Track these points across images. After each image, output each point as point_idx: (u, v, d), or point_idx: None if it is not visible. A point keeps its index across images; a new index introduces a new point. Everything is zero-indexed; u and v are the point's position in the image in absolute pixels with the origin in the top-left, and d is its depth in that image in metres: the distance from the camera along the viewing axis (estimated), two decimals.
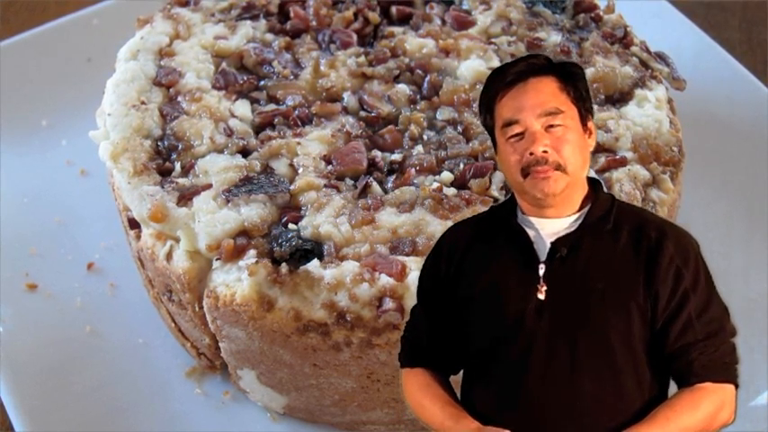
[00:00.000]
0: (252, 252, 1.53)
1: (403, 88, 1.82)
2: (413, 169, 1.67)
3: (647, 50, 1.88)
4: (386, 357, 1.52)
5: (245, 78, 1.84)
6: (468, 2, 2.00)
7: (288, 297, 1.50)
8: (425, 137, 1.74)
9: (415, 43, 1.89)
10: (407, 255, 1.53)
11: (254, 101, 1.82)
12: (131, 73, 1.82)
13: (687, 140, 1.76)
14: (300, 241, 1.54)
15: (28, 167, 2.16)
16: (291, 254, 1.53)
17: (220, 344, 1.68)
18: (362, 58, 1.87)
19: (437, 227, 1.55)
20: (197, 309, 1.63)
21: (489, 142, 1.67)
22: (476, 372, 1.20)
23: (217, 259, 1.56)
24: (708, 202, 2.01)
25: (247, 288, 1.50)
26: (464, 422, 1.15)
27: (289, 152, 1.69)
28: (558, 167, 1.12)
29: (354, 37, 1.92)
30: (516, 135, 1.14)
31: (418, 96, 1.82)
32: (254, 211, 1.58)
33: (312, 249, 1.54)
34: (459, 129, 1.74)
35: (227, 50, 1.89)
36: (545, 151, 1.12)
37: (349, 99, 1.80)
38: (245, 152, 1.70)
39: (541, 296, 1.13)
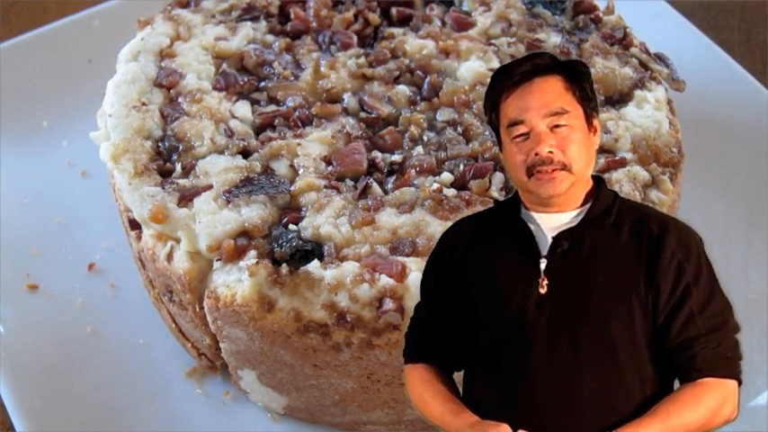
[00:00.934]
0: (252, 253, 1.54)
1: (403, 89, 1.82)
2: (413, 170, 1.67)
3: (647, 52, 1.89)
4: (386, 358, 1.53)
5: (246, 79, 1.84)
6: (468, 3, 2.01)
7: (288, 298, 1.50)
8: (425, 138, 1.74)
9: (415, 44, 1.89)
10: (407, 255, 1.54)
11: (254, 102, 1.82)
12: (132, 74, 1.82)
13: (686, 141, 1.77)
14: (301, 242, 1.55)
15: (29, 168, 2.16)
16: (292, 254, 1.53)
17: (221, 344, 1.68)
18: (363, 60, 1.87)
19: (437, 227, 1.55)
20: (197, 309, 1.64)
21: (489, 143, 1.70)
22: (478, 366, 1.20)
23: (217, 260, 1.56)
24: (707, 202, 2.01)
25: (248, 289, 1.50)
26: (463, 416, 1.15)
27: (289, 153, 1.70)
28: (564, 167, 1.13)
29: (354, 38, 1.93)
30: (521, 135, 1.14)
31: (418, 97, 1.82)
32: (254, 212, 1.58)
33: (312, 250, 1.54)
34: (459, 130, 1.75)
35: (228, 52, 1.89)
36: (550, 152, 1.12)
37: (349, 100, 1.81)
38: (245, 153, 1.70)
39: (543, 290, 1.14)
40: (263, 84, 1.85)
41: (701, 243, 1.17)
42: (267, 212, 1.59)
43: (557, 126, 1.14)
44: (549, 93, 1.15)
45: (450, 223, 1.52)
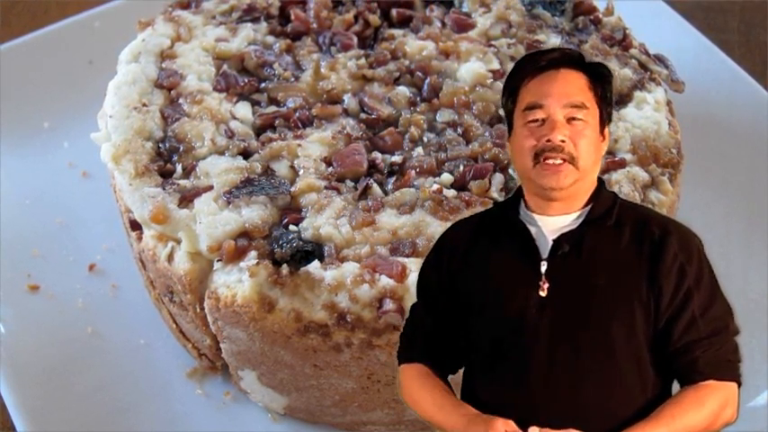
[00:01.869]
0: (253, 253, 1.54)
1: (403, 90, 1.82)
2: (413, 171, 1.67)
3: (646, 53, 1.89)
4: (386, 358, 1.53)
5: (246, 80, 1.84)
6: (467, 4, 2.01)
7: (288, 298, 1.51)
8: (425, 139, 1.75)
9: (415, 45, 1.90)
10: (408, 256, 1.54)
11: (254, 103, 1.82)
12: (133, 75, 1.83)
13: (686, 142, 1.77)
14: (301, 242, 1.55)
15: (30, 169, 2.16)
16: (292, 255, 1.54)
17: (221, 345, 1.68)
18: (363, 61, 1.88)
19: (437, 228, 1.56)
20: (198, 310, 1.64)
21: (489, 144, 1.70)
22: (476, 369, 1.20)
23: (218, 260, 1.57)
24: (707, 203, 2.01)
25: (248, 289, 1.51)
26: (462, 410, 1.15)
27: (289, 154, 1.70)
28: (572, 160, 1.12)
29: (355, 39, 1.93)
30: (536, 120, 1.14)
31: (418, 98, 1.82)
32: (254, 213, 1.59)
33: (313, 251, 1.55)
34: (459, 131, 1.75)
35: (228, 53, 1.89)
36: (562, 140, 1.12)
37: (349, 101, 1.81)
38: (245, 154, 1.71)
39: (543, 293, 1.13)
40: (263, 85, 1.85)
41: (701, 246, 1.17)
42: (267, 213, 1.60)
43: (573, 119, 1.13)
44: (573, 85, 1.14)
45: (450, 224, 1.53)
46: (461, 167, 1.67)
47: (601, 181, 1.20)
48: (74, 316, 1.90)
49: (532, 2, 1.98)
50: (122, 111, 1.76)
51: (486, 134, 1.73)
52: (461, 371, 1.24)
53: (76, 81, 2.26)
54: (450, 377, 1.24)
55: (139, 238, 1.70)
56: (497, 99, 1.78)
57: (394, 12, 2.00)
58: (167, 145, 1.72)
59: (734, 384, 1.15)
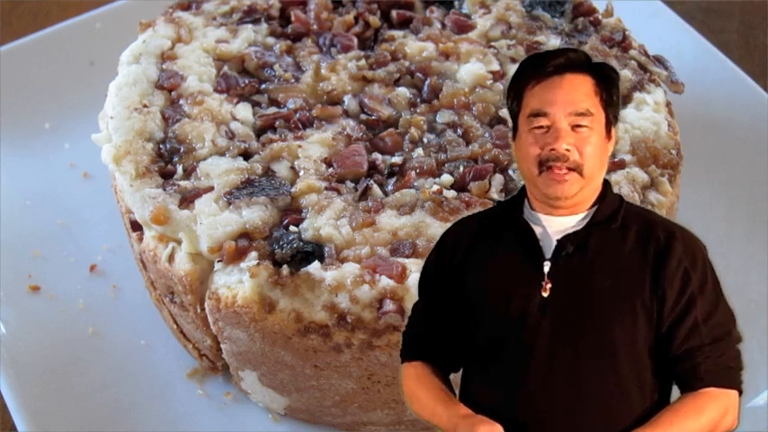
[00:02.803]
0: (253, 254, 1.54)
1: (403, 91, 1.83)
2: (413, 172, 1.68)
3: (646, 54, 1.89)
4: (386, 359, 1.53)
5: (247, 82, 1.85)
6: (467, 6, 2.01)
7: (289, 299, 1.51)
8: (425, 140, 1.75)
9: (415, 47, 1.90)
10: (408, 257, 1.54)
11: (255, 104, 1.83)
12: (134, 76, 1.83)
13: (685, 143, 1.77)
14: (301, 243, 1.55)
15: (31, 170, 2.17)
16: (292, 256, 1.54)
17: (222, 345, 1.69)
18: (363, 62, 1.88)
19: (437, 229, 1.56)
20: (199, 310, 1.64)
21: (489, 145, 1.70)
22: (476, 368, 1.19)
23: (218, 261, 1.57)
24: (707, 203, 2.02)
25: (249, 290, 1.51)
26: (455, 408, 1.14)
27: (290, 155, 1.70)
28: (577, 168, 1.11)
29: (355, 41, 1.93)
30: (541, 127, 1.13)
31: (418, 99, 1.83)
32: (255, 214, 1.59)
33: (313, 251, 1.55)
34: (459, 132, 1.75)
35: (229, 54, 1.90)
36: (567, 149, 1.11)
37: (350, 102, 1.81)
38: (246, 155, 1.71)
39: (545, 293, 1.13)
40: (263, 86, 1.85)
41: (705, 251, 1.16)
42: (268, 214, 1.60)
43: (578, 126, 1.12)
44: (578, 91, 1.13)
45: (450, 225, 1.53)
46: (461, 168, 1.67)
47: (606, 183, 1.19)
48: (75, 316, 1.91)
49: (532, 3, 1.98)
50: (123, 112, 1.77)
51: (486, 135, 1.73)
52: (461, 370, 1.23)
53: (77, 82, 2.27)
54: (451, 376, 1.24)
55: (140, 239, 1.70)
56: (497, 100, 1.79)
57: (394, 13, 2.00)
58: (168, 146, 1.73)
59: (735, 392, 1.14)
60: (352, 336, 1.50)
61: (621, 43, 1.90)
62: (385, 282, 1.50)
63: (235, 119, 1.78)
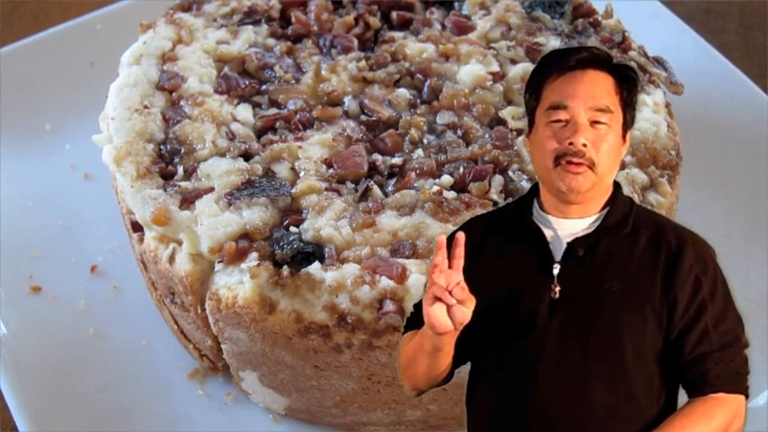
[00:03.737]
0: (254, 255, 1.55)
1: (403, 92, 1.83)
2: (413, 173, 1.68)
3: (645, 55, 1.90)
4: (386, 359, 1.54)
5: (247, 83, 1.85)
6: (467, 7, 2.02)
7: (289, 299, 1.51)
8: (425, 141, 1.75)
9: (415, 48, 1.90)
10: (408, 257, 1.54)
11: (255, 105, 1.83)
12: (134, 77, 1.84)
13: (685, 144, 1.77)
14: (302, 244, 1.56)
15: (32, 171, 2.17)
16: (293, 256, 1.54)
17: (222, 346, 1.69)
18: (363, 63, 1.88)
19: (437, 230, 1.56)
20: (199, 311, 1.64)
21: (489, 146, 1.71)
22: (483, 369, 1.19)
23: (219, 262, 1.57)
24: (706, 204, 2.02)
25: (249, 290, 1.51)
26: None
27: (290, 156, 1.71)
28: (591, 165, 1.11)
29: (355, 42, 1.94)
30: (560, 121, 1.12)
31: (418, 100, 1.83)
32: (255, 215, 1.59)
33: (313, 252, 1.55)
34: (459, 133, 1.76)
35: (230, 55, 1.90)
36: (584, 144, 1.10)
37: (350, 103, 1.82)
38: (246, 156, 1.71)
39: (555, 296, 1.13)
40: (264, 87, 1.86)
41: (715, 256, 1.16)
42: (268, 215, 1.61)
43: (597, 122, 1.12)
44: (600, 87, 1.13)
45: (450, 226, 1.54)
46: (461, 169, 1.67)
47: (618, 185, 1.18)
48: (75, 317, 1.91)
49: (532, 4, 1.99)
50: (124, 113, 1.77)
51: (486, 136, 1.74)
52: (462, 370, 1.23)
53: (78, 83, 2.27)
54: (456, 378, 1.24)
55: (141, 240, 1.70)
56: (497, 101, 1.79)
57: (394, 14, 2.00)
58: (169, 147, 1.73)
59: (742, 397, 1.15)
60: (353, 336, 1.50)
61: (621, 44, 1.90)
62: (385, 282, 1.50)
63: (235, 120, 1.79)
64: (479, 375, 1.20)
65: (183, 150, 1.72)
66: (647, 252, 1.14)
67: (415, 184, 1.66)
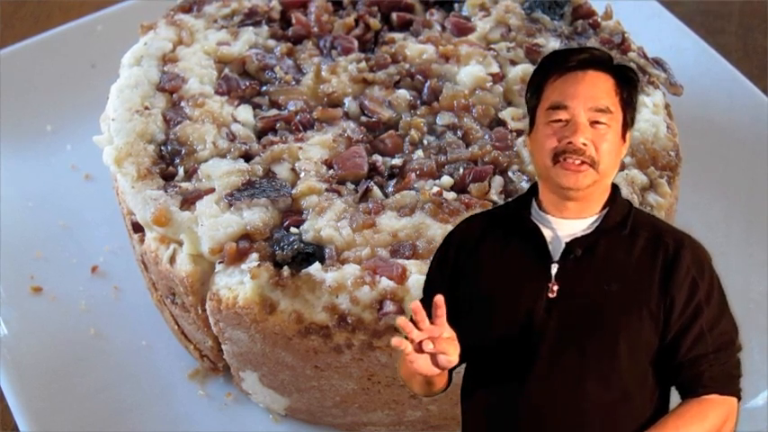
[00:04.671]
0: (254, 255, 1.55)
1: (403, 93, 1.83)
2: (413, 174, 1.68)
3: (645, 56, 1.90)
4: (386, 360, 1.54)
5: (248, 84, 1.86)
6: (467, 8, 2.02)
7: (290, 300, 1.52)
8: (425, 142, 1.76)
9: (415, 49, 1.91)
10: (408, 258, 1.55)
11: (256, 106, 1.83)
12: (135, 78, 1.84)
13: (684, 145, 1.78)
14: (302, 245, 1.56)
15: (33, 172, 2.17)
16: (293, 257, 1.55)
17: (223, 346, 1.69)
18: (363, 64, 1.89)
19: (437, 230, 1.57)
20: (200, 311, 1.65)
21: (489, 147, 1.71)
22: (479, 367, 1.19)
23: (219, 262, 1.58)
24: (706, 204, 2.02)
25: (250, 291, 1.52)
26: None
27: (290, 157, 1.71)
28: (592, 163, 1.12)
29: (355, 43, 1.94)
30: (560, 120, 1.13)
31: (418, 102, 1.83)
32: (256, 215, 1.60)
33: (314, 253, 1.56)
34: (459, 134, 1.76)
35: (230, 56, 1.91)
36: (584, 143, 1.11)
37: (350, 104, 1.82)
38: (247, 157, 1.72)
39: (552, 295, 1.13)
40: (264, 88, 1.86)
41: (711, 260, 1.17)
42: (269, 215, 1.61)
43: (596, 122, 1.13)
44: (600, 88, 1.14)
45: (450, 227, 1.53)
46: (461, 170, 1.68)
47: (616, 187, 1.19)
48: (76, 317, 1.91)
49: (532, 6, 1.99)
50: (125, 114, 1.77)
51: (486, 137, 1.74)
52: (462, 370, 1.23)
53: (79, 84, 2.27)
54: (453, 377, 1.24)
55: (142, 241, 1.71)
56: (497, 102, 1.80)
57: (394, 15, 2.01)
58: (169, 148, 1.73)
59: (735, 399, 1.15)
60: (353, 336, 1.51)
61: (620, 45, 1.91)
62: (385, 283, 1.50)
63: (236, 121, 1.79)
64: (475, 373, 1.20)
65: (183, 151, 1.72)
66: (645, 254, 1.14)
67: (415, 185, 1.66)
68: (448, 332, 1.10)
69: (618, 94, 1.15)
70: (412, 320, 1.10)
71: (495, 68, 1.85)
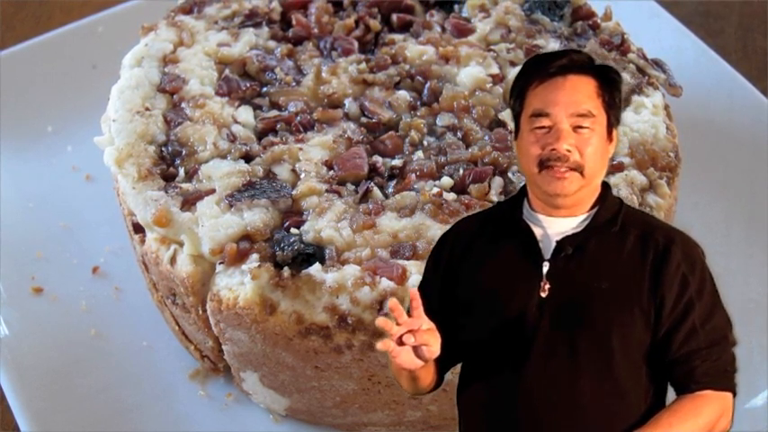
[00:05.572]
0: (254, 256, 1.55)
1: (403, 95, 1.84)
2: (413, 174, 1.69)
3: (644, 57, 1.90)
4: (386, 360, 1.53)
5: (248, 85, 1.86)
6: (467, 9, 2.02)
7: (290, 300, 1.52)
8: (425, 142, 1.76)
9: (415, 50, 1.91)
10: (408, 259, 1.55)
11: (256, 107, 1.84)
12: (136, 80, 1.84)
13: (684, 146, 1.78)
14: (302, 245, 1.56)
15: (34, 173, 2.18)
16: (294, 258, 1.55)
17: (223, 346, 1.69)
18: (363, 65, 1.89)
19: (437, 231, 1.57)
20: (200, 312, 1.65)
21: (488, 148, 1.72)
22: (474, 367, 1.20)
23: (220, 263, 1.58)
24: (705, 205, 2.03)
25: (250, 291, 1.52)
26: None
27: (291, 158, 1.71)
28: (577, 168, 1.12)
29: (355, 44, 1.94)
30: (543, 128, 1.13)
31: (418, 103, 1.84)
32: (256, 216, 1.60)
33: (314, 253, 1.56)
34: (459, 135, 1.76)
35: (231, 57, 1.91)
36: (568, 150, 1.12)
37: (350, 105, 1.82)
38: (247, 158, 1.72)
39: (544, 294, 1.14)
40: (265, 89, 1.86)
41: (703, 256, 1.17)
42: (269, 216, 1.61)
43: (579, 127, 1.13)
44: (581, 92, 1.14)
45: (449, 227, 1.54)
46: (461, 171, 1.68)
47: (606, 185, 1.19)
48: (77, 318, 1.91)
49: (531, 7, 1.99)
50: (125, 115, 1.78)
51: (486, 138, 1.74)
52: (457, 371, 1.24)
53: (80, 85, 2.28)
54: (449, 375, 1.25)
55: (142, 241, 1.71)
56: (497, 103, 1.80)
57: (394, 17, 2.01)
58: (170, 149, 1.74)
59: (730, 395, 1.15)
60: (353, 337, 1.51)
61: (620, 47, 1.91)
62: (385, 283, 1.50)
63: (236, 122, 1.79)
64: (470, 372, 1.21)
65: (184, 152, 1.72)
66: (635, 251, 1.15)
67: (416, 186, 1.67)
68: (427, 324, 1.11)
69: (600, 95, 1.15)
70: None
71: (494, 69, 1.86)
